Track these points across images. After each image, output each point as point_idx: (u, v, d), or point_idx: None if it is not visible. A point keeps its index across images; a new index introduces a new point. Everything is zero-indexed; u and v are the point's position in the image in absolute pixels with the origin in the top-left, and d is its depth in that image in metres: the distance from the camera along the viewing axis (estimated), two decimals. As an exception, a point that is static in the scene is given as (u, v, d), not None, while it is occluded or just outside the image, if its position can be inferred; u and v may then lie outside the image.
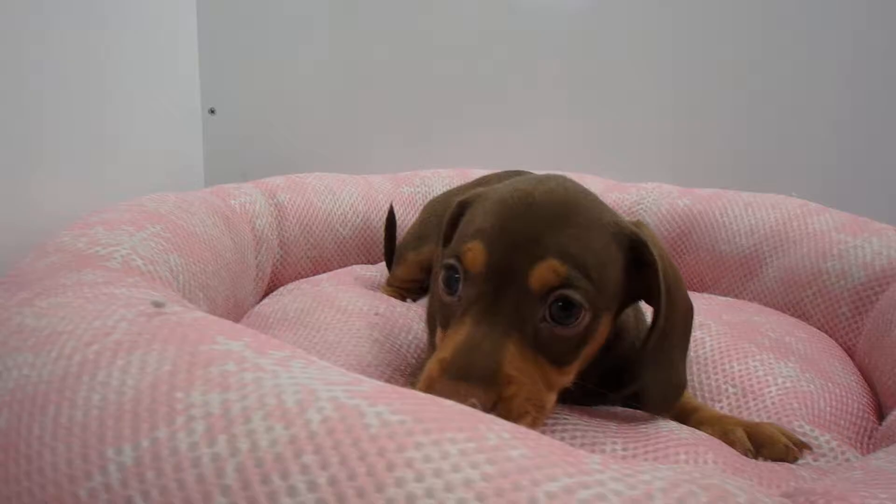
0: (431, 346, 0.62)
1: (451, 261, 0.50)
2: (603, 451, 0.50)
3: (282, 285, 0.98)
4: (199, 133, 1.26)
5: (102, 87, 1.03)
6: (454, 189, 0.95)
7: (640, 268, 0.55)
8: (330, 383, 0.35)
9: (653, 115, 1.52)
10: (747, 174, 1.50)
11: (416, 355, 0.69)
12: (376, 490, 0.29)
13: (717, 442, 0.52)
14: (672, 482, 0.31)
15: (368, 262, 1.08)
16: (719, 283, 1.00)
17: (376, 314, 0.71)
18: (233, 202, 0.92)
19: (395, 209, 1.04)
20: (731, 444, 0.54)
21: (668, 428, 0.53)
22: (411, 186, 1.16)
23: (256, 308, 0.78)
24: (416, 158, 1.34)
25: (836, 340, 0.84)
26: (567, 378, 0.51)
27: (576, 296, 0.48)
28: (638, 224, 0.58)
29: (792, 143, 1.49)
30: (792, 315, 0.90)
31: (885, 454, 0.45)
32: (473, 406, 0.41)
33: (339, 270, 1.03)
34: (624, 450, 0.50)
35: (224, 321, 0.44)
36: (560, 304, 0.48)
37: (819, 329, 0.86)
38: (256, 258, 0.93)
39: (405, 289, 0.93)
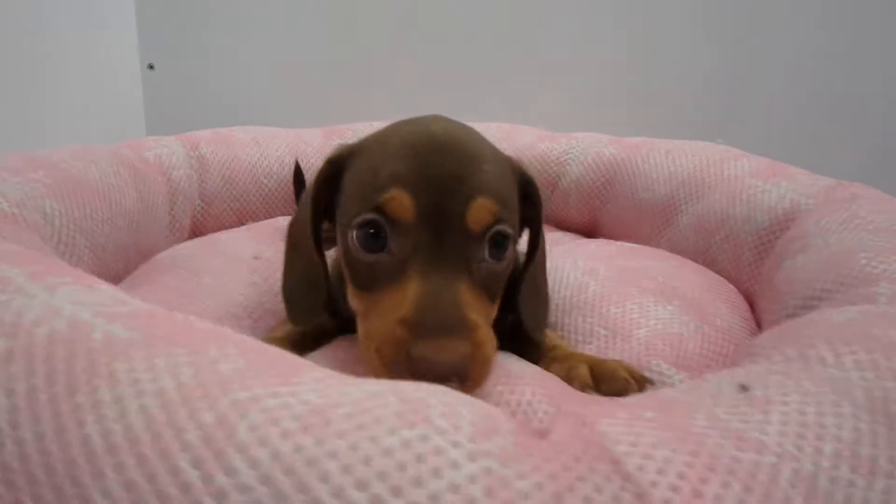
0: (297, 319, 0.58)
1: (371, 215, 0.47)
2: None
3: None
4: (139, 89, 1.27)
5: (33, 44, 1.03)
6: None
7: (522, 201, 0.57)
8: (84, 304, 0.37)
9: (602, 64, 1.48)
10: (704, 125, 1.47)
11: None
12: (68, 395, 0.30)
13: (547, 377, 0.53)
14: (373, 393, 0.32)
15: (295, 214, 1.09)
16: (639, 232, 0.99)
17: (255, 258, 0.72)
18: (147, 154, 0.93)
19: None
20: (572, 380, 0.55)
21: (502, 363, 0.54)
22: (343, 139, 1.16)
23: (158, 255, 0.80)
24: (363, 111, 1.33)
25: (741, 286, 0.83)
26: (495, 312, 0.53)
27: (508, 230, 0.49)
28: (520, 161, 0.59)
29: (747, 93, 1.46)
30: (702, 262, 0.89)
31: (686, 385, 0.45)
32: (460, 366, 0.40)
33: (263, 222, 1.04)
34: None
35: (27, 252, 0.45)
36: (496, 240, 0.49)
37: (726, 275, 0.85)
38: (172, 209, 0.95)
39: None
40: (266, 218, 1.07)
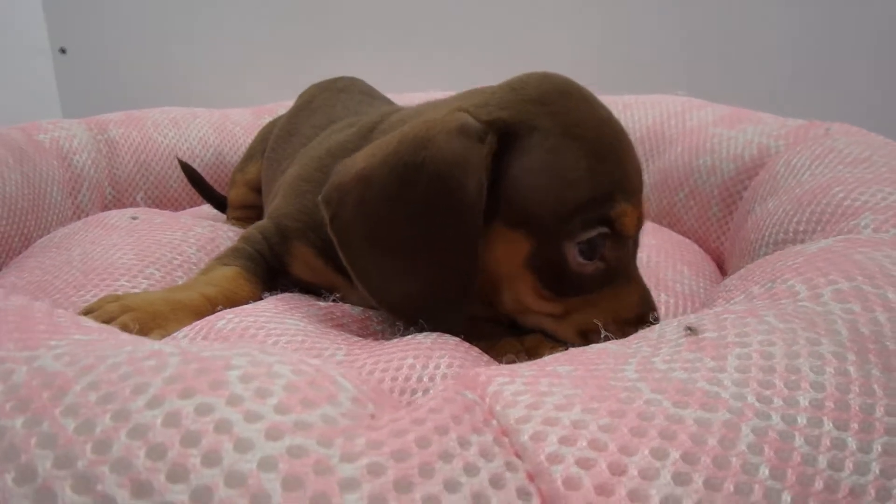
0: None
1: (604, 229, 0.43)
2: (321, 353, 0.41)
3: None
4: (51, 73, 1.16)
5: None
6: (291, 110, 0.84)
7: None
8: None
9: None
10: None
11: (196, 244, 0.63)
12: None
13: (464, 348, 0.43)
14: (154, 351, 0.22)
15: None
16: (599, 197, 0.90)
17: (133, 218, 0.64)
18: (41, 136, 0.83)
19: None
20: (500, 353, 0.46)
21: (421, 336, 0.44)
22: (273, 117, 1.06)
23: (37, 241, 0.70)
24: (288, 89, 1.23)
25: (708, 245, 0.75)
26: None
27: None
28: None
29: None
30: (666, 223, 0.80)
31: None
32: None
33: (189, 210, 0.94)
34: (346, 355, 0.42)
35: None
36: None
37: (692, 235, 0.77)
38: (75, 198, 0.84)
39: (245, 218, 0.84)
40: (190, 206, 0.97)
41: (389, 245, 0.44)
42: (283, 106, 1.10)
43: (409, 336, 0.44)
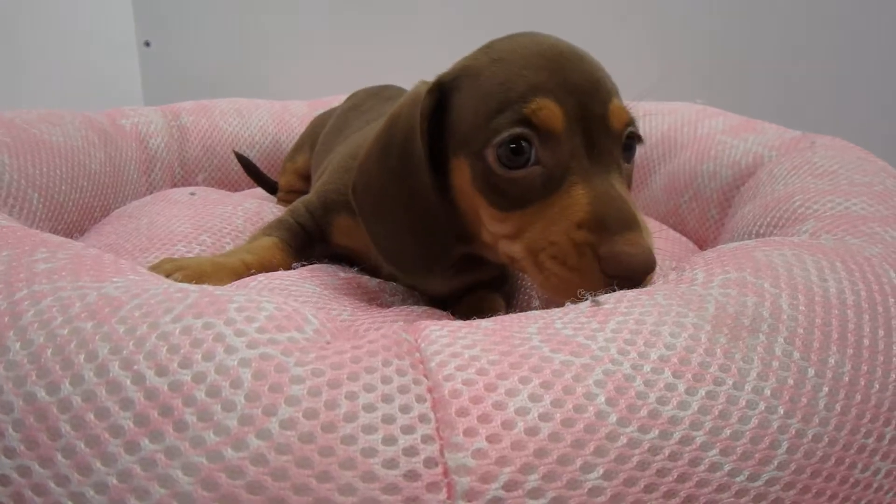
0: (414, 274, 0.57)
1: (518, 129, 0.44)
2: (329, 312, 0.51)
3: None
4: (135, 65, 1.31)
5: (26, 19, 1.08)
6: (342, 110, 0.95)
7: None
8: None
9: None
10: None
11: (243, 216, 0.74)
12: None
13: (448, 318, 0.52)
14: (179, 289, 0.32)
15: (279, 183, 1.10)
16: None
17: (191, 194, 0.76)
18: (123, 122, 0.96)
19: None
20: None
21: (415, 306, 0.53)
22: (325, 109, 1.17)
23: (114, 211, 0.83)
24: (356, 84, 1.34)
25: (706, 246, 0.80)
26: None
27: (637, 129, 0.49)
28: None
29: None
30: (672, 224, 0.86)
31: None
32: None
33: (246, 191, 1.06)
34: (350, 316, 0.51)
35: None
36: (630, 138, 0.48)
37: (693, 236, 0.82)
38: (149, 175, 0.98)
39: (289, 201, 0.95)
40: (248, 188, 1.09)
41: (385, 207, 0.52)
42: (337, 99, 1.21)
43: (405, 305, 0.54)
